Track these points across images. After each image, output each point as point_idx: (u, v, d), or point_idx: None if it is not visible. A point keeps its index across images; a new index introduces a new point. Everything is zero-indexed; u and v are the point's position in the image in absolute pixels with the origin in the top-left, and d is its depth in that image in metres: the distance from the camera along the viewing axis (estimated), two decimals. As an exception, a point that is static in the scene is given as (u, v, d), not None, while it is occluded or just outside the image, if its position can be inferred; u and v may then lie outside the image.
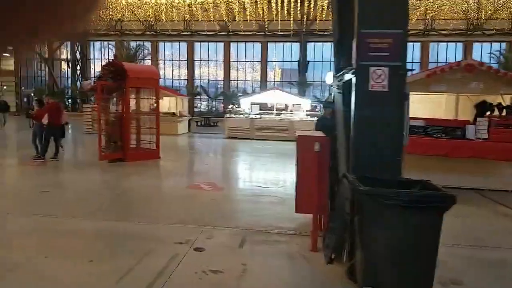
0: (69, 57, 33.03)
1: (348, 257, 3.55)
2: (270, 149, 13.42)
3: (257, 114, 18.27)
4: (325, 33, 28.70)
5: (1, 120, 18.37)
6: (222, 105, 34.35)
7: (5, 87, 34.00)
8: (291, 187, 7.64)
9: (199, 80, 34.52)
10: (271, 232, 4.84)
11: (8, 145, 13.54)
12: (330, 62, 34.14)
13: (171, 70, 34.33)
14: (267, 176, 8.47)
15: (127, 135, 9.63)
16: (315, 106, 21.79)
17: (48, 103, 9.36)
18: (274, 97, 18.28)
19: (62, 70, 34.83)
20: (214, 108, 33.32)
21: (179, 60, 34.54)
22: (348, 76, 4.15)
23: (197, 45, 34.16)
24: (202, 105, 35.36)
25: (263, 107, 20.73)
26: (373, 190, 3.03)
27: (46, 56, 31.86)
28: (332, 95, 5.17)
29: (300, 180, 4.46)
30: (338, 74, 4.47)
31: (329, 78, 4.66)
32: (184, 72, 34.69)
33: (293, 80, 32.87)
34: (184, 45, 33.96)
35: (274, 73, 35.25)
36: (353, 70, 3.89)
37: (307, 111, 18.49)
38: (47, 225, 4.84)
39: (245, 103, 19.24)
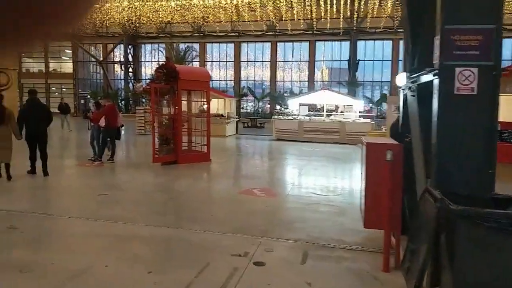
0: (121, 59, 34.37)
1: (430, 284, 3.14)
2: (320, 152, 13.00)
3: (305, 116, 17.87)
4: (377, 30, 27.66)
5: (63, 121, 19.04)
6: (269, 106, 34.21)
7: (64, 90, 36.05)
8: (350, 195, 7.24)
9: (246, 81, 34.61)
10: (335, 246, 4.49)
11: (67, 146, 14.18)
12: (382, 60, 32.90)
13: (218, 71, 34.71)
14: (321, 182, 8.09)
15: (179, 137, 9.65)
16: (372, 107, 20.90)
17: (105, 105, 9.59)
18: (324, 97, 17.78)
19: (115, 72, 36.36)
20: (260, 109, 33.25)
21: (226, 61, 34.83)
22: (426, 77, 3.71)
23: (243, 45, 34.28)
24: (249, 106, 35.43)
25: (312, 108, 20.31)
26: (471, 210, 2.61)
27: (101, 58, 33.33)
28: (401, 98, 4.72)
29: (369, 192, 4.08)
30: (412, 75, 4.04)
31: (400, 79, 4.22)
32: (230, 73, 34.96)
33: (342, 80, 32.01)
34: (231, 46, 34.20)
35: (322, 72, 34.56)
36: (435, 71, 3.46)
37: (359, 112, 17.81)
38: (107, 230, 4.82)
39: (293, 104, 18.89)
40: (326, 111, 18.50)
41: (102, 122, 9.32)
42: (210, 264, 3.89)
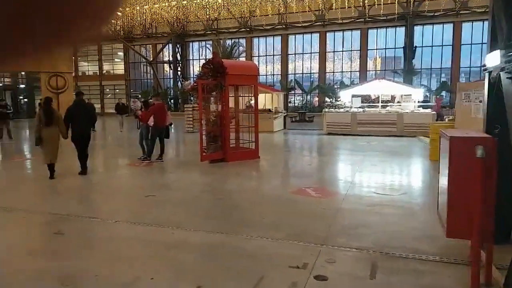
0: (170, 59, 35.05)
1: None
2: (377, 147, 12.12)
3: (359, 107, 16.91)
4: (436, 14, 25.72)
5: (121, 122, 19.40)
6: (317, 99, 33.25)
7: (117, 90, 37.52)
8: (418, 194, 6.47)
9: (293, 74, 33.88)
10: (409, 257, 3.84)
11: (119, 145, 14.44)
12: (442, 46, 30.65)
13: (265, 66, 34.27)
14: (382, 179, 7.35)
15: (227, 134, 9.32)
16: (441, 95, 19.17)
17: (154, 104, 9.47)
18: (379, 87, 16.67)
19: (165, 72, 37.18)
20: (309, 103, 32.41)
21: (273, 55, 34.30)
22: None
23: (291, 38, 33.55)
24: (296, 100, 34.68)
25: (366, 99, 19.24)
26: None
27: (151, 59, 34.19)
28: (487, 82, 3.93)
29: (453, 195, 3.38)
30: (510, 54, 3.27)
31: (491, 59, 3.45)
32: (277, 67, 34.39)
33: (397, 68, 30.29)
34: (278, 39, 33.61)
35: (375, 61, 32.91)
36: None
37: (418, 102, 16.53)
38: (153, 235, 4.52)
39: (345, 96, 17.95)
40: (382, 102, 17.38)
41: (151, 121, 9.20)
42: (265, 277, 3.43)
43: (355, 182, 7.13)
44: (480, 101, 7.51)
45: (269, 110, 17.74)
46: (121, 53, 37.35)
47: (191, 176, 7.81)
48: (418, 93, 17.01)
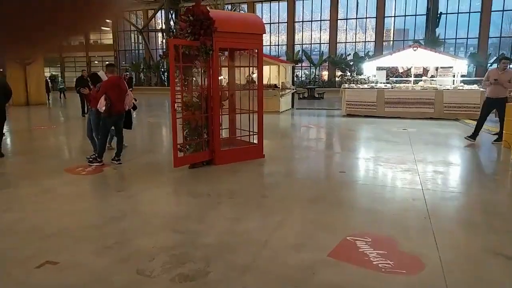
0: (163, 26, 31.28)
1: None
2: (422, 136, 8.99)
3: (386, 83, 13.64)
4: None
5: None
6: (326, 73, 29.77)
7: (106, 62, 33.97)
8: None
9: (300, 45, 30.21)
10: None
11: (70, 135, 11.26)
12: (469, 13, 26.89)
13: (269, 36, 30.57)
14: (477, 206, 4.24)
15: (215, 123, 6.17)
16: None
17: (106, 79, 6.27)
18: (413, 58, 13.27)
19: (158, 42, 33.46)
20: (318, 77, 28.95)
21: (278, 22, 30.52)
22: None
23: (298, 4, 29.69)
24: (303, 74, 31.18)
25: (392, 72, 15.95)
26: None
27: (141, 27, 30.43)
28: None
29: None
30: None
31: None
32: (282, 37, 30.68)
33: (418, 38, 26.61)
34: (283, 5, 29.77)
35: (393, 31, 29.18)
36: None
37: (461, 76, 13.22)
38: None
39: (368, 69, 14.64)
40: (414, 76, 14.09)
41: (102, 104, 6.04)
42: None
43: (440, 214, 4.01)
44: None
45: (275, 85, 14.46)
46: (109, 21, 33.49)
47: (153, 200, 4.67)
48: (460, 66, 13.62)
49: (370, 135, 9.52)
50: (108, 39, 33.86)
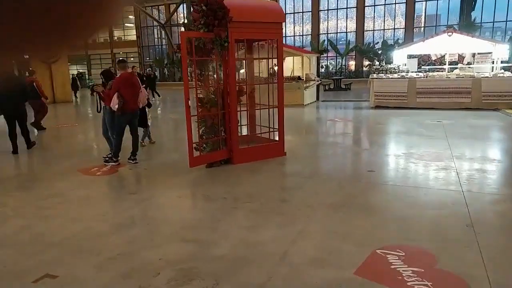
0: (185, 21, 31.10)
1: None
2: (455, 127, 8.38)
3: (418, 72, 12.86)
4: None
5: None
6: (354, 62, 28.80)
7: (132, 59, 34.27)
8: None
9: (325, 34, 29.34)
10: None
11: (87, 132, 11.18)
12: (508, -6, 25.19)
13: (292, 26, 29.86)
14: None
15: (233, 120, 5.81)
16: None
17: (118, 76, 6.01)
18: (447, 44, 12.38)
19: (181, 36, 33.41)
20: (344, 67, 28.06)
21: (302, 12, 29.71)
22: None
23: (323, -9, 28.80)
24: (329, 64, 30.32)
25: (424, 60, 15.10)
26: None
27: (163, 22, 30.39)
28: None
29: None
30: None
31: None
32: (307, 27, 29.88)
33: (451, 23, 25.20)
34: (307, -6, 28.95)
35: (424, 16, 27.81)
36: None
37: (501, 62, 12.24)
38: None
39: (398, 57, 13.86)
40: (448, 64, 13.20)
41: (115, 103, 5.79)
42: None
43: (485, 222, 3.50)
44: None
45: (299, 77, 13.94)
46: (132, 17, 33.73)
47: (165, 204, 4.37)
48: (501, 51, 12.61)
49: (401, 129, 8.91)
50: (131, 35, 34.12)
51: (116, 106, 5.79)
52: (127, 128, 6.08)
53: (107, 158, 6.16)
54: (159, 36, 34.14)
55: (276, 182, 5.10)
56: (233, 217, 3.84)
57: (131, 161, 6.12)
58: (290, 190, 4.72)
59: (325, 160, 6.36)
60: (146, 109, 6.81)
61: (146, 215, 3.99)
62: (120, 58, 13.66)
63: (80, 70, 33.34)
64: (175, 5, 30.78)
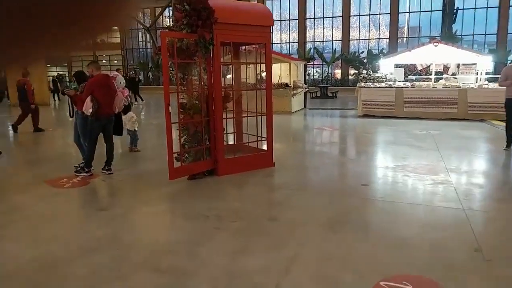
0: (171, 24, 30.63)
1: None
2: (445, 138, 8.19)
3: (405, 81, 12.72)
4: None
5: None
6: (340, 71, 28.79)
7: (115, 61, 33.49)
8: None
9: (312, 42, 29.28)
10: None
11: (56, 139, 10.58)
12: (487, 8, 25.64)
13: (279, 33, 29.70)
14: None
15: (218, 127, 5.39)
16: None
17: (92, 77, 5.52)
18: (433, 54, 12.29)
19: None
20: (330, 75, 27.98)
21: (289, 19, 29.60)
22: None
23: (309, 0, 28.75)
24: (316, 72, 30.24)
25: (410, 70, 15.03)
26: None
27: (148, 25, 29.80)
28: None
29: None
30: None
31: None
32: (293, 35, 29.77)
33: (433, 35, 25.43)
34: (294, 2, 28.86)
35: (407, 27, 28.05)
36: None
37: (486, 73, 12.19)
38: None
39: (385, 66, 13.72)
40: (434, 74, 13.10)
41: (88, 106, 5.30)
42: None
43: (494, 245, 3.16)
44: None
45: (286, 84, 13.63)
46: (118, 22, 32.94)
47: (138, 224, 3.90)
48: (485, 62, 12.59)
49: (391, 139, 8.65)
50: (115, 37, 33.36)
51: (90, 110, 5.30)
52: (101, 135, 5.58)
53: (78, 168, 5.64)
54: (144, 39, 33.50)
55: (263, 197, 4.69)
56: (215, 240, 3.40)
57: (105, 171, 5.62)
58: (279, 205, 4.31)
59: (315, 171, 5.98)
60: (122, 115, 6.29)
61: (115, 236, 3.50)
62: (92, 60, 13.02)
63: (60, 72, 32.33)
64: (160, 8, 30.26)
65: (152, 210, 4.17)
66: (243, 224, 3.72)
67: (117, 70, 11.93)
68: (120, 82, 11.69)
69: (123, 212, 4.10)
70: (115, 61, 33.53)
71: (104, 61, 34.16)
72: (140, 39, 33.13)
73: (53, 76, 23.93)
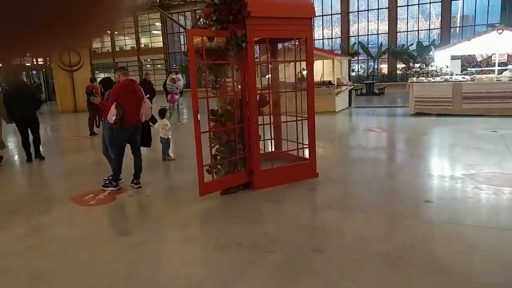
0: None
1: None
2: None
3: (464, 74, 11.43)
4: None
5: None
6: (386, 65, 27.27)
7: (159, 66, 34.00)
8: None
9: (356, 37, 27.95)
10: None
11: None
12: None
13: (321, 29, 28.63)
14: None
15: (254, 136, 4.79)
16: None
17: (118, 83, 5.11)
18: (497, 43, 10.91)
19: (207, 42, 32.88)
20: (376, 71, 26.55)
21: (331, 14, 28.46)
22: None
23: (352, -8, 27.49)
24: (360, 68, 28.88)
25: (468, 62, 13.62)
26: None
27: (190, 28, 29.90)
28: None
29: None
30: None
31: None
32: (336, 30, 28.60)
33: (491, 22, 23.28)
34: (336, -5, 27.71)
35: (461, 16, 25.93)
36: None
37: None
38: None
39: (440, 58, 12.48)
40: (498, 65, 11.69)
41: (112, 115, 4.90)
42: None
43: None
44: None
45: (330, 82, 12.79)
46: (158, 24, 33.49)
47: (160, 254, 3.37)
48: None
49: (451, 141, 7.62)
50: (158, 42, 33.88)
51: (114, 118, 4.89)
52: (128, 146, 5.17)
53: (106, 182, 5.28)
54: (185, 42, 33.75)
55: (306, 219, 4.00)
56: (248, 278, 2.79)
57: (133, 185, 5.21)
58: (324, 232, 3.61)
59: (366, 184, 5.17)
60: (150, 124, 5.83)
61: (133, 271, 2.99)
62: (121, 66, 12.86)
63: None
64: (200, 10, 30.29)
65: (177, 236, 3.62)
66: (282, 256, 3.08)
67: (176, 72, 11.60)
68: (177, 88, 11.32)
69: (145, 238, 3.58)
70: (159, 65, 34.03)
71: (148, 65, 34.80)
72: (182, 42, 33.36)
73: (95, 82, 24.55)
